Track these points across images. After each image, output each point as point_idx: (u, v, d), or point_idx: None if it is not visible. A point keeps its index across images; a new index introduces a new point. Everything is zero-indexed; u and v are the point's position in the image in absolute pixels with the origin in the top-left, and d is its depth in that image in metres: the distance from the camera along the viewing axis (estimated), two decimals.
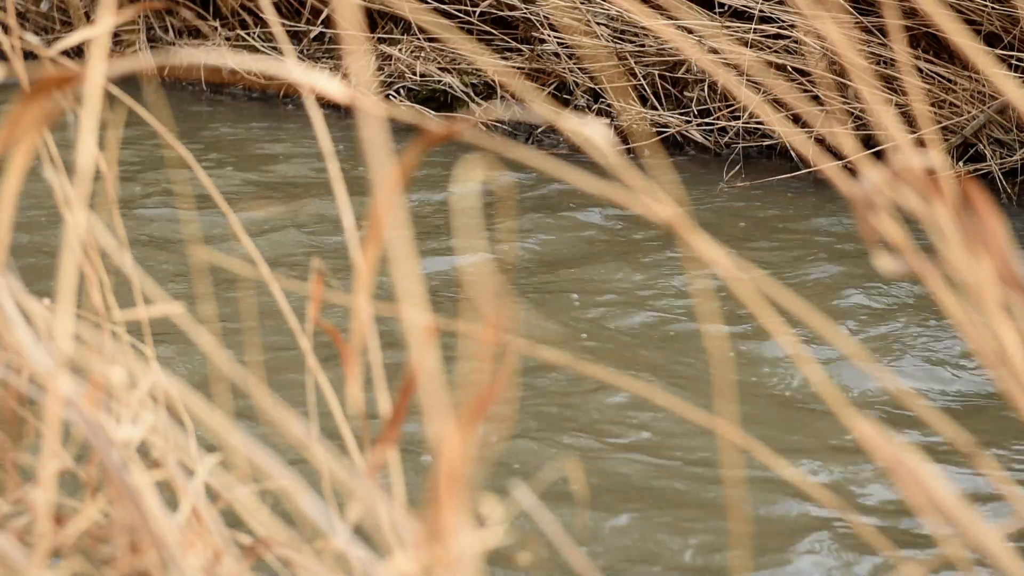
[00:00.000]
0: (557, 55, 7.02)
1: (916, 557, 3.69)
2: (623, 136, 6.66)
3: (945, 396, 4.60)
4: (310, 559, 1.50)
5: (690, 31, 6.09)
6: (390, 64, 7.22)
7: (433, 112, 7.03)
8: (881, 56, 6.41)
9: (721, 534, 3.85)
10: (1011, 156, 6.30)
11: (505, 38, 7.19)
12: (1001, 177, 6.27)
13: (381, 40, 7.33)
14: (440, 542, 1.15)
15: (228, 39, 7.59)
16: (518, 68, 7.02)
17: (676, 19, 6.29)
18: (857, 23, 6.37)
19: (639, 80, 6.78)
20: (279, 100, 7.40)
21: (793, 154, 6.50)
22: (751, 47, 6.51)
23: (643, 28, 6.70)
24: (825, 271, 5.50)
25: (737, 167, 6.52)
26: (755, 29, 6.56)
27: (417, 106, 7.09)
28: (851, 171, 1.22)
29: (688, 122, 6.69)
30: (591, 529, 3.86)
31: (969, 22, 6.38)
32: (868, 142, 6.15)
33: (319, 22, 7.50)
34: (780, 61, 6.54)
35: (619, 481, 4.08)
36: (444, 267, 5.43)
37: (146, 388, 1.51)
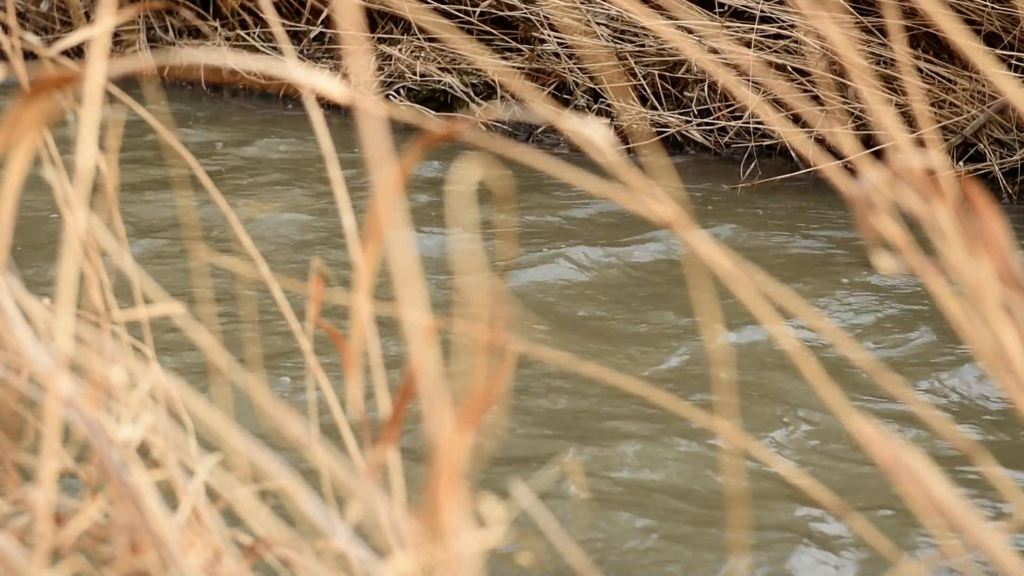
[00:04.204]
0: (557, 55, 7.02)
1: (916, 557, 3.69)
2: (623, 136, 6.66)
3: (945, 395, 4.60)
4: (310, 559, 1.50)
5: (690, 31, 6.09)
6: (390, 64, 7.22)
7: (433, 112, 7.03)
8: (881, 56, 6.41)
9: (721, 534, 3.85)
10: (1011, 156, 6.30)
11: (505, 38, 7.19)
12: (1002, 177, 6.26)
13: (381, 40, 7.33)
14: (438, 541, 1.15)
15: (228, 39, 7.59)
16: (518, 68, 7.02)
17: (676, 19, 6.29)
18: (857, 23, 6.37)
19: (639, 80, 6.78)
20: (279, 100, 7.40)
21: (793, 154, 6.50)
22: (751, 47, 6.51)
23: (643, 28, 6.70)
24: (825, 270, 5.50)
25: (737, 167, 6.52)
26: (755, 29, 6.56)
27: (417, 106, 7.09)
28: (851, 171, 1.22)
29: (688, 122, 6.69)
30: (591, 529, 3.86)
31: (969, 22, 6.38)
32: (868, 142, 6.15)
33: (319, 22, 7.50)
34: (780, 61, 6.54)
35: (619, 480, 4.08)
36: (441, 266, 5.43)
37: (146, 388, 1.51)
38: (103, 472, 1.43)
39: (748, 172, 6.45)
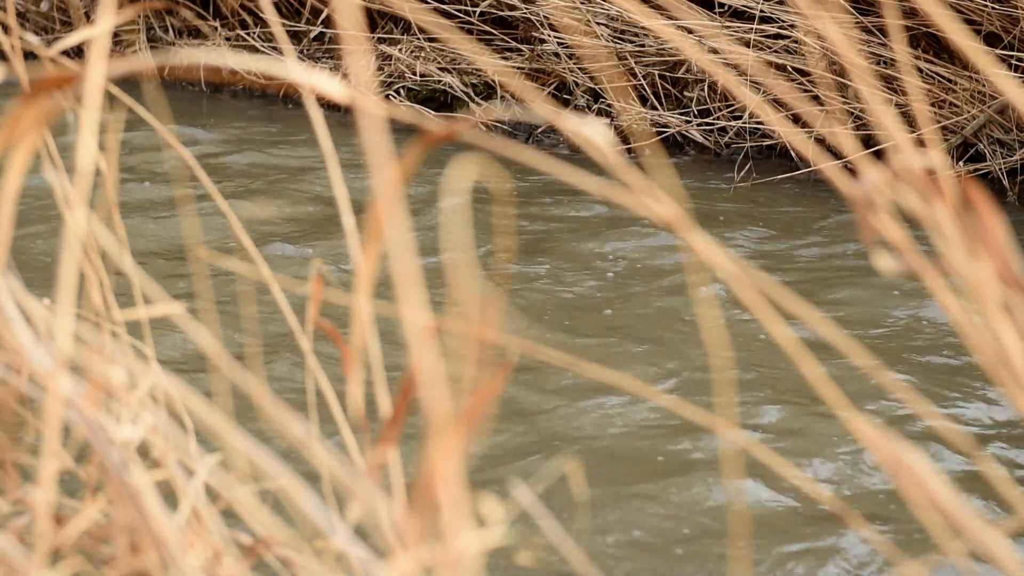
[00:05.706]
0: (557, 55, 7.02)
1: (916, 557, 3.69)
2: (623, 136, 6.66)
3: (945, 395, 4.60)
4: (310, 559, 1.50)
5: (690, 31, 6.09)
6: (390, 64, 7.22)
7: (433, 112, 7.03)
8: (881, 56, 6.41)
9: (721, 534, 3.85)
10: (1011, 156, 6.30)
11: (505, 38, 7.19)
12: (1003, 176, 6.27)
13: (381, 40, 7.33)
14: (433, 540, 1.15)
15: (228, 39, 7.59)
16: (518, 68, 7.02)
17: (676, 19, 6.29)
18: (857, 23, 6.37)
19: (639, 80, 6.78)
20: (279, 100, 7.40)
21: (793, 154, 6.50)
22: (751, 47, 6.51)
23: (643, 28, 6.71)
24: (825, 271, 5.50)
25: (737, 167, 6.52)
26: (755, 29, 6.56)
27: (417, 106, 7.09)
28: (851, 171, 1.22)
29: (688, 122, 6.69)
30: (591, 529, 3.86)
31: (969, 22, 6.38)
32: (868, 142, 6.15)
33: (319, 22, 7.50)
34: (780, 61, 6.54)
35: (619, 480, 4.08)
36: (436, 264, 5.43)
37: (146, 388, 1.51)
38: (103, 472, 1.43)
39: (748, 172, 6.45)
